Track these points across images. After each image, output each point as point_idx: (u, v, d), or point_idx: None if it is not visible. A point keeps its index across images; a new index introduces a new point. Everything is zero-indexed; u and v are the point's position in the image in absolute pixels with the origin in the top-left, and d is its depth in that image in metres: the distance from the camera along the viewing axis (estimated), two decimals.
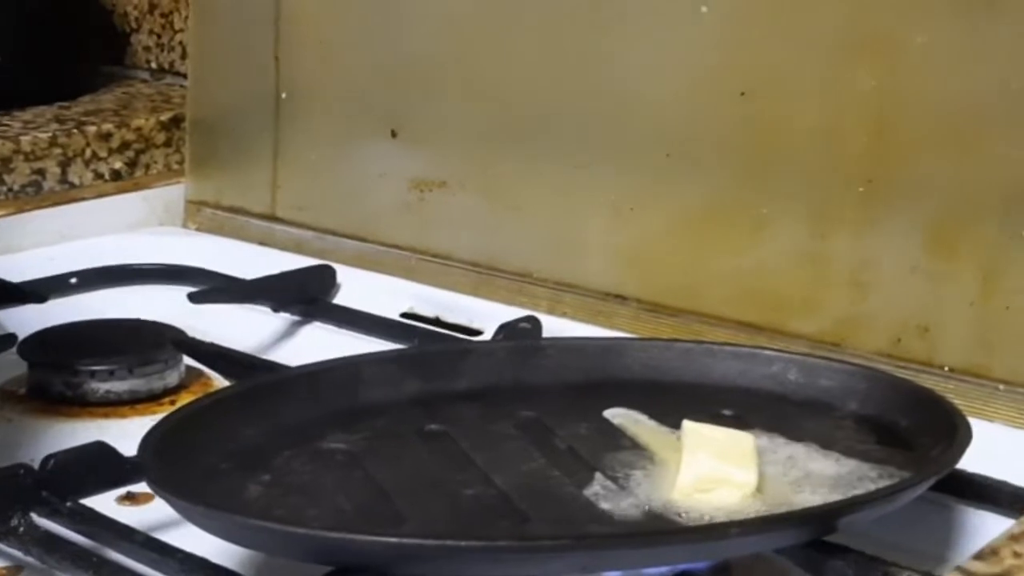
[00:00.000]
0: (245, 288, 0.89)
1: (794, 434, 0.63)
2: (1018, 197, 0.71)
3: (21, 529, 0.60)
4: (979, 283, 0.72)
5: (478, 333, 0.85)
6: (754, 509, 0.57)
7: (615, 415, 0.66)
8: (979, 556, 0.40)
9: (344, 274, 0.91)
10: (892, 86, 0.74)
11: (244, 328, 0.88)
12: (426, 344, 0.79)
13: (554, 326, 0.81)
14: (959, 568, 0.39)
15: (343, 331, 0.86)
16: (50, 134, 1.00)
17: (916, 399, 0.64)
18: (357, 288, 0.91)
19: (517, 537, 0.55)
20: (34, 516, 0.61)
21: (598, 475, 0.60)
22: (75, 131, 1.01)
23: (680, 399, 0.67)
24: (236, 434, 0.63)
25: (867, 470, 0.60)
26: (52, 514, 0.61)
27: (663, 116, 0.82)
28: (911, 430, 0.63)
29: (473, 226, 0.90)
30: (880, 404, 0.65)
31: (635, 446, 0.63)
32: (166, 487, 0.56)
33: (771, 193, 0.78)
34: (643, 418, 0.66)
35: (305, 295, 0.89)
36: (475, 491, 0.59)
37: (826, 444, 0.62)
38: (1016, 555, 0.40)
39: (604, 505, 0.58)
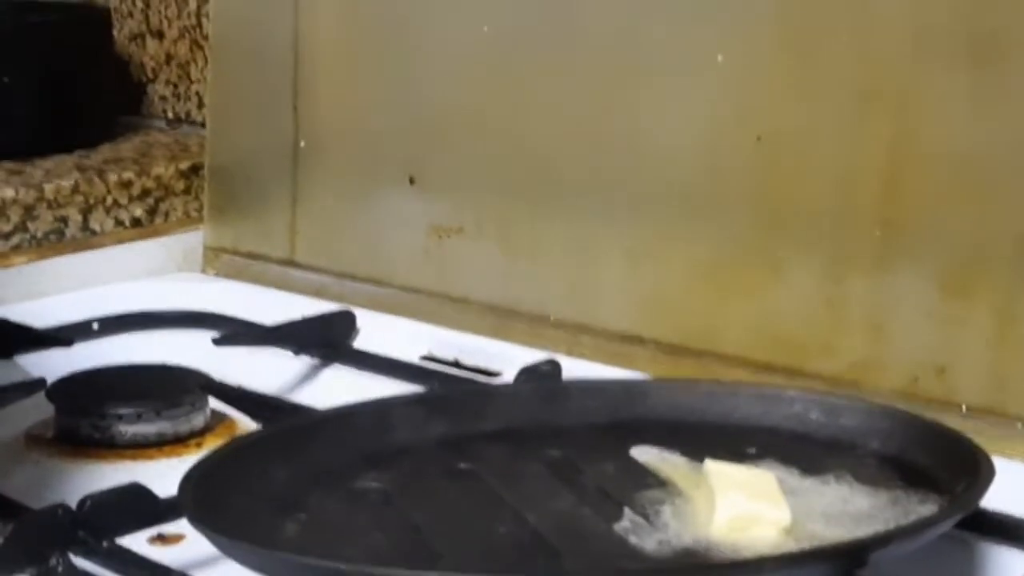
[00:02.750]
0: (268, 333, 0.90)
1: (818, 472, 0.64)
2: None
3: (60, 569, 0.61)
4: (994, 324, 0.73)
5: (497, 375, 0.85)
6: (784, 545, 0.58)
7: (641, 453, 0.67)
8: None
9: (364, 318, 0.92)
10: (907, 134, 0.75)
11: (265, 371, 0.89)
12: (450, 386, 0.80)
13: (574, 368, 0.82)
14: None
15: (364, 374, 0.87)
16: (72, 182, 1.01)
17: (937, 437, 0.65)
18: (377, 332, 0.92)
19: (553, 572, 0.56)
20: (72, 556, 0.62)
21: (627, 512, 0.61)
22: (96, 179, 1.02)
23: (704, 438, 0.68)
24: (270, 475, 0.64)
25: (892, 507, 0.61)
26: (89, 554, 0.62)
27: (680, 162, 0.83)
28: (933, 468, 0.64)
29: (491, 270, 0.91)
30: (901, 442, 0.66)
31: (661, 483, 0.64)
32: (207, 526, 0.57)
33: (788, 238, 0.79)
34: (669, 455, 0.67)
35: (326, 339, 0.90)
36: (508, 529, 0.60)
37: (850, 481, 0.63)
38: None
39: (635, 541, 0.59)
